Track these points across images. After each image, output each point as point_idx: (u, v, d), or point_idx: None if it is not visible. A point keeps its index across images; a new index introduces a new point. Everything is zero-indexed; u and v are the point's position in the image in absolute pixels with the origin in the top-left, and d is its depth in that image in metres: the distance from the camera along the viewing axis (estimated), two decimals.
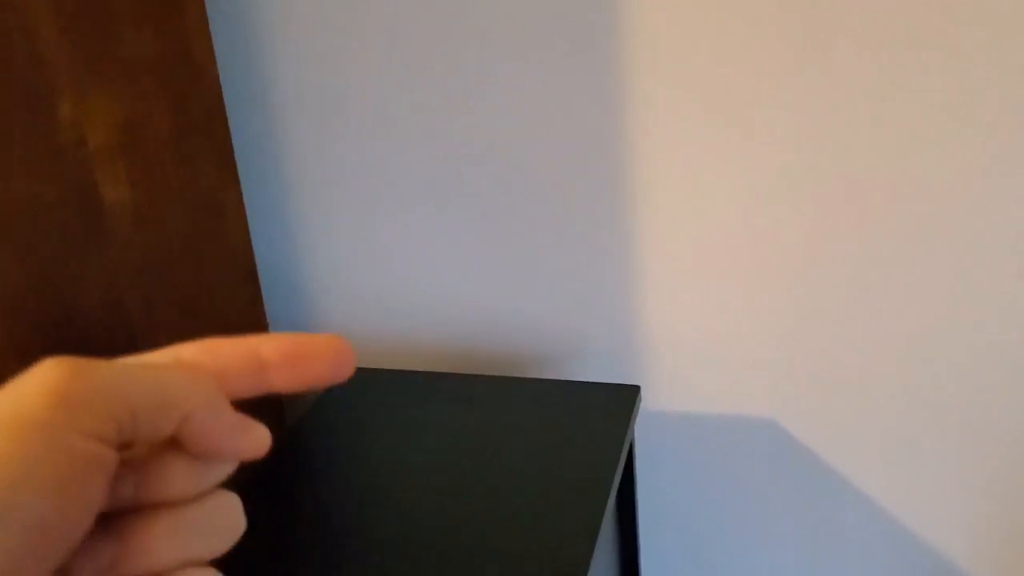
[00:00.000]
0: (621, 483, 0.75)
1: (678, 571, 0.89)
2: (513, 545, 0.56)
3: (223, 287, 0.79)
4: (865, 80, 0.69)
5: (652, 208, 0.77)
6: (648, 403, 0.82)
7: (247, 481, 0.84)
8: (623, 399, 0.69)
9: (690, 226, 0.77)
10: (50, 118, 0.60)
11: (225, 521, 0.21)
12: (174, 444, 0.21)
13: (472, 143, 0.79)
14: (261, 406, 0.85)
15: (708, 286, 0.78)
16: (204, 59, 0.75)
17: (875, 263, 0.74)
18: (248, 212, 0.88)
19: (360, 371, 0.80)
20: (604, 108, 0.75)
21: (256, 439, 0.21)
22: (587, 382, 0.72)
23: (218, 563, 0.61)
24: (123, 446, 0.20)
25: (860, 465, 0.81)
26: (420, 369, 0.87)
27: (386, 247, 0.85)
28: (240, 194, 0.81)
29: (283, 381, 0.22)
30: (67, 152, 0.62)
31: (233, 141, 0.84)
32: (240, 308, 0.81)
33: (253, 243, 0.88)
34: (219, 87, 0.77)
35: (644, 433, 0.84)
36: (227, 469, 0.22)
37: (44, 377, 0.19)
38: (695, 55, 0.71)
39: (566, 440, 0.66)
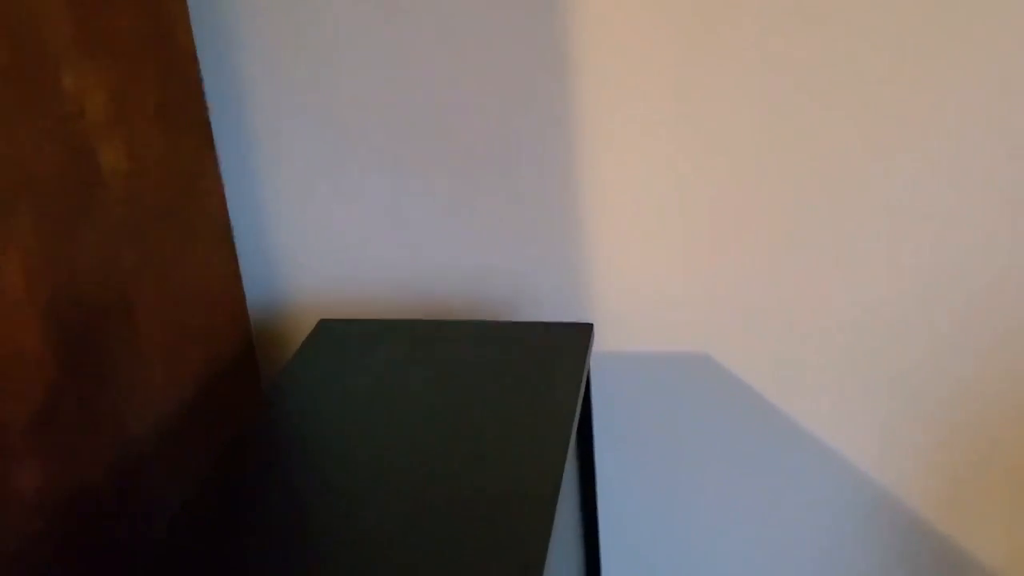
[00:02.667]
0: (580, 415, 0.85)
1: (629, 491, 0.99)
2: (488, 477, 0.65)
3: (202, 248, 0.85)
4: (775, 41, 0.80)
5: (595, 163, 0.86)
6: (596, 343, 0.92)
7: (224, 439, 0.90)
8: (578, 336, 0.78)
9: (631, 178, 0.86)
10: (54, 90, 0.66)
11: None
12: None
13: (428, 108, 0.87)
14: (237, 377, 0.92)
15: (648, 234, 0.88)
16: (184, 38, 0.81)
17: (801, 205, 0.85)
18: (224, 179, 0.94)
19: (330, 323, 0.87)
20: (550, 71, 0.83)
21: None
22: (545, 322, 0.81)
23: (195, 524, 0.68)
24: None
25: (788, 393, 0.92)
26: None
27: (352, 207, 0.92)
28: (216, 162, 0.87)
29: None
30: (69, 122, 0.67)
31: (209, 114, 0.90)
32: (217, 266, 0.87)
33: (228, 208, 0.94)
34: (197, 64, 0.83)
35: (594, 371, 0.93)
36: None
37: None
38: (636, 19, 0.81)
39: (530, 376, 0.75)
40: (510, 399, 0.72)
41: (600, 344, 0.92)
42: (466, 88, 0.86)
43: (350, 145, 0.90)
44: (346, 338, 0.84)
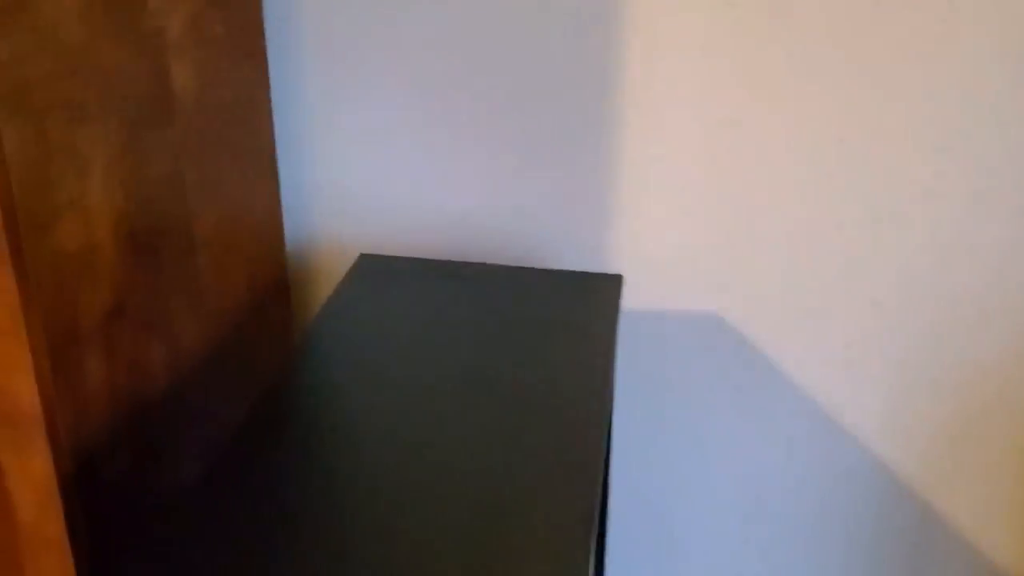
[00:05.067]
0: None
1: (642, 443, 1.04)
2: (525, 433, 0.65)
3: (250, 174, 0.88)
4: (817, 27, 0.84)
5: (624, 127, 0.91)
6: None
7: (255, 395, 0.94)
8: (609, 287, 0.83)
9: (665, 136, 0.91)
10: (141, 8, 0.69)
11: None
12: None
13: (474, 46, 0.91)
14: (274, 300, 0.95)
15: (674, 192, 0.92)
16: None
17: (818, 174, 0.90)
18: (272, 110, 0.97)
19: (371, 257, 0.91)
20: (590, 26, 0.88)
21: None
22: (575, 271, 0.86)
23: (229, 476, 0.71)
24: None
25: (798, 358, 0.98)
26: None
27: (391, 153, 0.96)
28: (268, 94, 0.90)
29: None
30: (150, 38, 0.70)
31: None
32: (261, 194, 0.91)
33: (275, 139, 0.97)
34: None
35: None
36: None
37: None
38: None
39: (565, 325, 0.79)
40: (547, 350, 0.76)
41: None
42: (511, 28, 0.90)
43: (399, 93, 0.93)
44: (386, 274, 0.88)
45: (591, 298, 0.82)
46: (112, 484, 0.70)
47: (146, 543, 0.63)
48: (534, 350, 0.74)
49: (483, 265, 0.88)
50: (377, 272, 0.88)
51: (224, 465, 0.65)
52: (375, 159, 0.97)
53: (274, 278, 0.95)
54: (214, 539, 0.59)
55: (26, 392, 0.62)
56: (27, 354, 0.61)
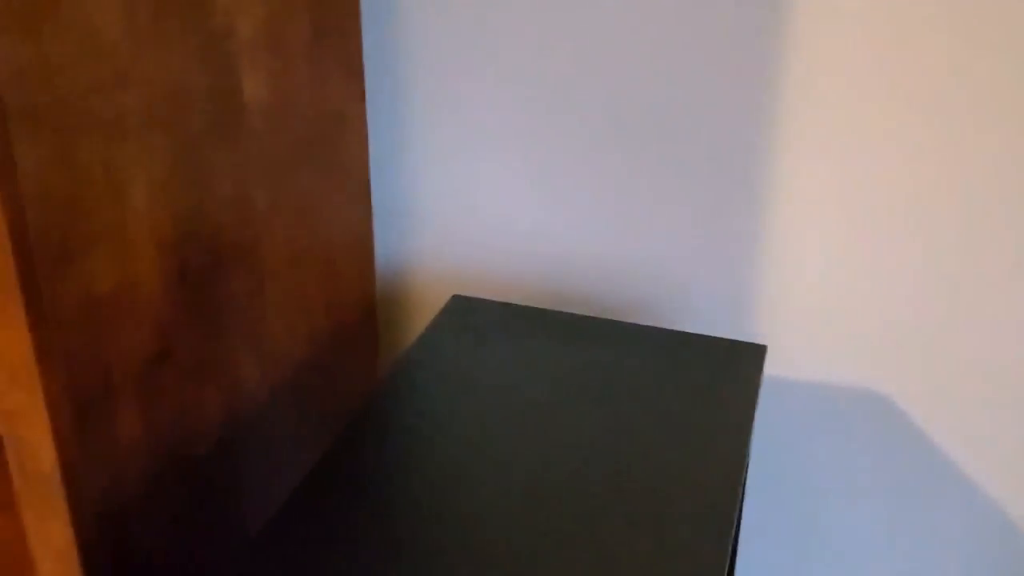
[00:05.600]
0: None
1: (773, 529, 0.88)
2: (643, 504, 0.55)
3: (338, 198, 0.78)
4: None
5: (782, 168, 0.74)
6: None
7: (337, 406, 0.83)
8: (749, 358, 0.67)
9: (819, 191, 0.74)
10: (205, 3, 0.59)
11: None
12: None
13: (601, 81, 0.77)
14: (358, 334, 0.85)
15: (829, 252, 0.75)
16: None
17: (1007, 250, 0.71)
18: (368, 127, 0.87)
19: (461, 299, 0.79)
20: (749, 60, 0.72)
21: None
22: (711, 336, 0.70)
23: (315, 509, 0.60)
24: None
25: (971, 452, 0.79)
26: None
27: (499, 181, 0.83)
28: (364, 109, 0.79)
29: None
30: (217, 40, 0.60)
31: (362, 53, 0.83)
32: (351, 222, 0.80)
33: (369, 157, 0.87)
34: None
35: None
36: None
37: None
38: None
39: (692, 398, 0.64)
40: (668, 423, 0.62)
41: None
42: (649, 66, 0.75)
43: (509, 111, 0.81)
44: (481, 318, 0.76)
45: (727, 369, 0.66)
46: (150, 550, 0.61)
47: None
48: (649, 422, 0.60)
49: (599, 320, 0.75)
50: (472, 313, 0.76)
51: (292, 511, 0.56)
52: (480, 184, 0.84)
53: (360, 316, 0.84)
54: None
55: (45, 449, 0.53)
56: (42, 408, 0.52)
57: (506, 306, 0.77)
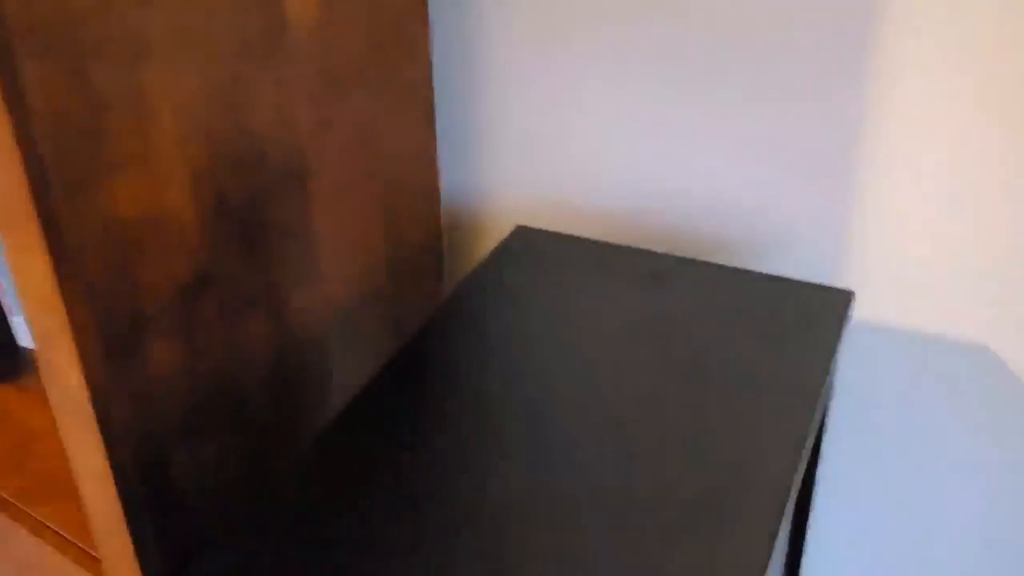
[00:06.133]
0: None
1: (854, 485, 0.80)
2: (705, 449, 0.50)
3: (398, 121, 0.74)
4: None
5: (891, 94, 0.64)
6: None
7: (395, 341, 0.81)
8: (832, 304, 0.59)
9: (931, 131, 0.64)
10: None
11: None
12: None
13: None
14: (420, 264, 0.81)
15: (937, 196, 0.65)
16: None
17: None
18: (432, 45, 0.82)
19: (531, 232, 0.74)
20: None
21: None
22: (791, 279, 0.63)
23: (372, 427, 0.58)
24: None
25: None
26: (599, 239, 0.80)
27: (576, 104, 0.77)
28: (427, 26, 0.74)
29: None
30: None
31: None
32: (413, 147, 0.76)
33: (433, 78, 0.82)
34: None
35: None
36: None
37: None
38: None
39: (766, 343, 0.57)
40: (739, 359, 0.56)
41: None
42: None
43: (594, 28, 0.74)
44: (546, 252, 0.71)
45: (805, 315, 0.59)
46: (194, 482, 0.60)
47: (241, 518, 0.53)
48: (716, 368, 0.54)
49: (671, 257, 0.68)
50: (537, 247, 0.71)
51: (338, 431, 0.56)
52: (556, 114, 0.78)
53: (423, 245, 0.81)
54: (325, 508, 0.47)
55: (75, 374, 0.53)
56: (69, 332, 0.51)
57: (573, 239, 0.72)
